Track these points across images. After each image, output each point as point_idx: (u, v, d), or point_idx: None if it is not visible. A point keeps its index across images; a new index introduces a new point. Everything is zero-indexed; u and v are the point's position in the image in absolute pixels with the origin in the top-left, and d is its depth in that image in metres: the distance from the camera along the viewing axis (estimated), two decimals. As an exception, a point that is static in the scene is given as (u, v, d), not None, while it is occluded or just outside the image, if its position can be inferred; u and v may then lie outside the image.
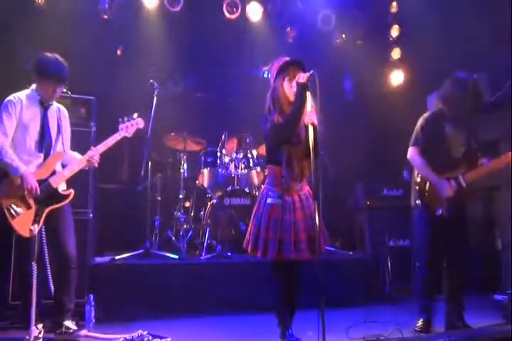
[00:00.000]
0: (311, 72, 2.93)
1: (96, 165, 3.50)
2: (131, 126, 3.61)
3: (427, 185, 3.53)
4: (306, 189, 3.19)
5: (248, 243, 3.12)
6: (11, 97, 3.40)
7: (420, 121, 3.64)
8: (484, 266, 4.94)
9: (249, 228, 3.19)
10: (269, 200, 3.09)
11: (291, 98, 3.08)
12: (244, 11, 6.02)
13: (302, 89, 2.97)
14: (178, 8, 5.76)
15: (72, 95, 4.02)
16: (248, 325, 3.97)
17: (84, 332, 3.40)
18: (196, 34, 6.08)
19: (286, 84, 3.10)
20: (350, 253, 5.16)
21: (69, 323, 3.39)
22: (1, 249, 3.91)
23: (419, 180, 3.58)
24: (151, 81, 5.03)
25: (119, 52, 6.03)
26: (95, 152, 3.46)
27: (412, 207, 3.74)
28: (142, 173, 5.07)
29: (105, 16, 5.59)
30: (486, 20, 4.83)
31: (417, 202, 3.56)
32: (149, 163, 5.12)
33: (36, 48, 4.93)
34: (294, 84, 3.05)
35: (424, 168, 3.53)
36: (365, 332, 3.46)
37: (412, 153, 3.60)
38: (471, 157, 3.57)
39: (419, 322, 3.56)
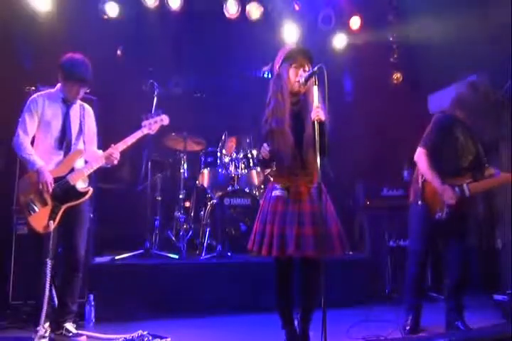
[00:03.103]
0: (318, 66, 2.84)
1: (115, 162, 3.49)
2: (154, 122, 3.58)
3: (430, 187, 3.47)
4: (316, 183, 2.96)
5: (253, 243, 2.96)
6: (34, 96, 3.44)
7: (434, 121, 3.53)
8: (484, 266, 4.94)
9: (254, 226, 3.03)
10: (274, 193, 2.97)
11: (295, 87, 3.01)
12: (244, 11, 6.02)
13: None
14: (178, 8, 5.76)
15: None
16: (248, 325, 3.96)
17: (83, 338, 3.38)
18: (196, 34, 6.08)
19: (292, 72, 3.02)
20: (350, 253, 5.15)
21: (69, 326, 3.38)
22: (1, 249, 3.92)
23: (421, 181, 3.50)
24: (151, 81, 5.02)
25: (119, 52, 6.03)
26: (115, 149, 3.45)
27: (409, 204, 3.68)
28: (142, 173, 5.07)
29: (105, 16, 5.60)
30: (487, 19, 4.82)
31: (419, 202, 3.51)
32: (149, 163, 5.12)
33: (36, 48, 4.96)
34: (300, 73, 2.98)
35: (429, 171, 3.43)
36: (365, 332, 3.46)
37: (419, 154, 3.50)
38: (478, 167, 3.51)
39: (408, 321, 3.54)
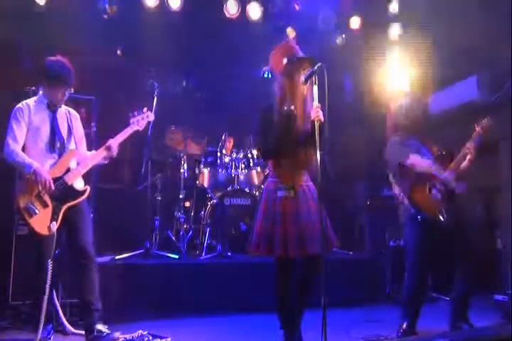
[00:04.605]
0: (318, 65, 2.86)
1: (115, 154, 3.50)
2: (141, 119, 3.64)
3: (418, 195, 3.52)
4: (310, 182, 3.07)
5: (258, 243, 2.94)
6: (19, 104, 3.43)
7: (389, 147, 3.68)
8: (484, 266, 4.93)
9: (256, 226, 3.01)
10: (280, 193, 2.97)
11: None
12: (244, 11, 6.02)
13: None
14: (178, 8, 5.76)
15: (73, 95, 4.02)
16: (248, 325, 3.97)
17: (117, 334, 3.31)
18: (196, 34, 6.08)
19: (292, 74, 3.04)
20: (350, 253, 5.16)
21: (101, 327, 3.30)
22: (1, 250, 3.92)
23: (406, 197, 3.53)
24: (151, 81, 5.03)
25: (119, 52, 6.04)
26: (114, 142, 3.48)
27: (402, 224, 3.69)
28: (142, 173, 5.07)
29: (105, 16, 5.60)
30: (487, 19, 4.82)
31: (418, 217, 3.47)
32: (149, 163, 5.12)
33: (36, 48, 4.95)
34: (301, 78, 3.00)
35: (424, 162, 3.50)
36: (365, 332, 3.47)
37: (411, 159, 3.54)
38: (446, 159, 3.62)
39: (404, 325, 3.41)
